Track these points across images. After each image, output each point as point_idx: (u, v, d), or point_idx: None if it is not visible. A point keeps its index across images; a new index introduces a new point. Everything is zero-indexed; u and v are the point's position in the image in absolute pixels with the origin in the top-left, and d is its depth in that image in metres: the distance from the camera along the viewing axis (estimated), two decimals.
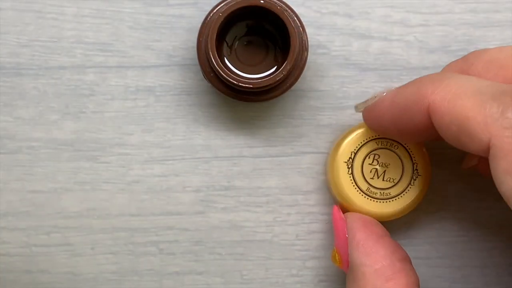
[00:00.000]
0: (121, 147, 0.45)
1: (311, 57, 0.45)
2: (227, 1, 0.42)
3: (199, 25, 0.45)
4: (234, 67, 0.43)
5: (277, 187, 0.45)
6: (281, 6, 0.41)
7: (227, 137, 0.45)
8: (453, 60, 0.40)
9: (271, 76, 0.41)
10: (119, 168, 0.45)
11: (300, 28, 0.42)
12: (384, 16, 0.45)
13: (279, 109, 0.45)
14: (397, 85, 0.39)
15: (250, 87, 0.41)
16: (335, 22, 0.45)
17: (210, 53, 0.41)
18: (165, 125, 0.45)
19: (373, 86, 0.45)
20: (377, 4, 0.45)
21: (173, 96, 0.45)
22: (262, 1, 0.41)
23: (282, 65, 0.41)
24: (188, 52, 0.44)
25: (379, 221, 0.44)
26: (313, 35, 0.45)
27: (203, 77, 0.43)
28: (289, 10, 0.42)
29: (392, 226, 0.45)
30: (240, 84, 0.41)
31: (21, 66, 0.45)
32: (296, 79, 0.43)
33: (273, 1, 0.42)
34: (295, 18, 0.42)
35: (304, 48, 0.42)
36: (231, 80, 0.41)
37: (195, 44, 0.43)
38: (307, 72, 0.45)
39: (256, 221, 0.45)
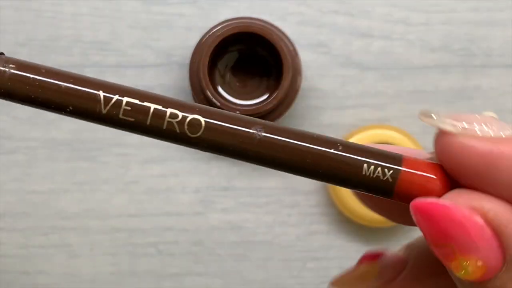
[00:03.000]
0: (120, 147, 0.45)
1: (311, 56, 0.45)
2: (222, 25, 0.42)
3: (198, 24, 0.45)
4: (226, 93, 0.43)
5: (277, 188, 0.45)
6: (276, 34, 0.41)
7: None
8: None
9: (261, 105, 0.41)
10: (117, 168, 0.45)
11: (293, 52, 0.42)
12: (385, 14, 0.45)
13: None
14: None
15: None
16: (336, 21, 0.45)
17: (201, 75, 0.40)
18: None
19: (375, 86, 0.45)
20: (378, 2, 0.45)
21: (173, 96, 0.45)
22: (257, 27, 0.41)
23: (274, 93, 0.41)
24: (188, 51, 0.44)
25: (384, 228, 0.44)
26: (313, 34, 0.45)
27: (193, 100, 0.43)
28: (282, 35, 0.42)
29: (393, 226, 0.44)
30: (227, 109, 0.41)
31: None
32: (287, 107, 0.43)
33: (267, 27, 0.42)
34: (288, 43, 0.42)
35: (297, 73, 0.42)
36: (218, 104, 0.40)
37: (194, 44, 0.43)
38: (308, 71, 0.45)
39: (256, 221, 0.45)
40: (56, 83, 0.25)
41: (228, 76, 0.44)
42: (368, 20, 0.45)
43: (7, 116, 0.44)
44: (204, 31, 0.43)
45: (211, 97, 0.41)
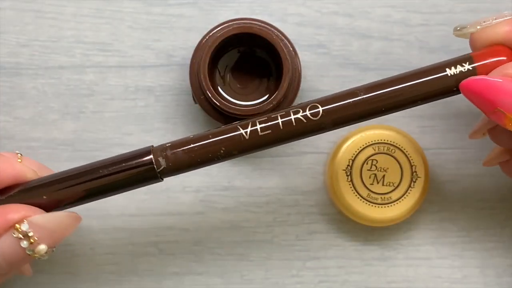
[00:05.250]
0: (121, 147, 0.45)
1: (311, 56, 0.45)
2: (222, 26, 0.42)
3: (199, 25, 0.45)
4: (227, 94, 0.43)
5: (277, 187, 0.45)
6: (276, 35, 0.41)
7: None
8: None
9: (261, 105, 0.41)
10: None
11: (293, 53, 0.42)
12: (385, 15, 0.45)
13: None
14: None
15: (238, 114, 0.41)
16: (336, 22, 0.45)
17: (202, 75, 0.41)
18: (165, 125, 0.45)
19: None
20: (378, 3, 0.45)
21: (173, 96, 0.45)
22: (257, 28, 0.41)
23: (274, 93, 0.41)
24: (188, 52, 0.44)
25: (383, 228, 0.44)
26: (313, 34, 0.45)
27: (193, 101, 0.43)
28: (281, 36, 0.42)
29: (393, 226, 0.44)
30: (227, 110, 0.41)
31: (21, 66, 0.45)
32: (288, 106, 0.43)
33: (267, 27, 0.42)
34: (288, 44, 0.42)
35: (297, 74, 0.42)
36: (219, 104, 0.41)
37: (195, 44, 0.43)
38: (307, 72, 0.45)
39: (256, 221, 0.45)
40: (206, 143, 0.35)
41: (228, 76, 0.44)
42: (368, 21, 0.45)
43: (8, 117, 0.45)
44: (204, 32, 0.43)
45: (212, 97, 0.41)
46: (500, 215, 0.45)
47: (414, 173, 0.42)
